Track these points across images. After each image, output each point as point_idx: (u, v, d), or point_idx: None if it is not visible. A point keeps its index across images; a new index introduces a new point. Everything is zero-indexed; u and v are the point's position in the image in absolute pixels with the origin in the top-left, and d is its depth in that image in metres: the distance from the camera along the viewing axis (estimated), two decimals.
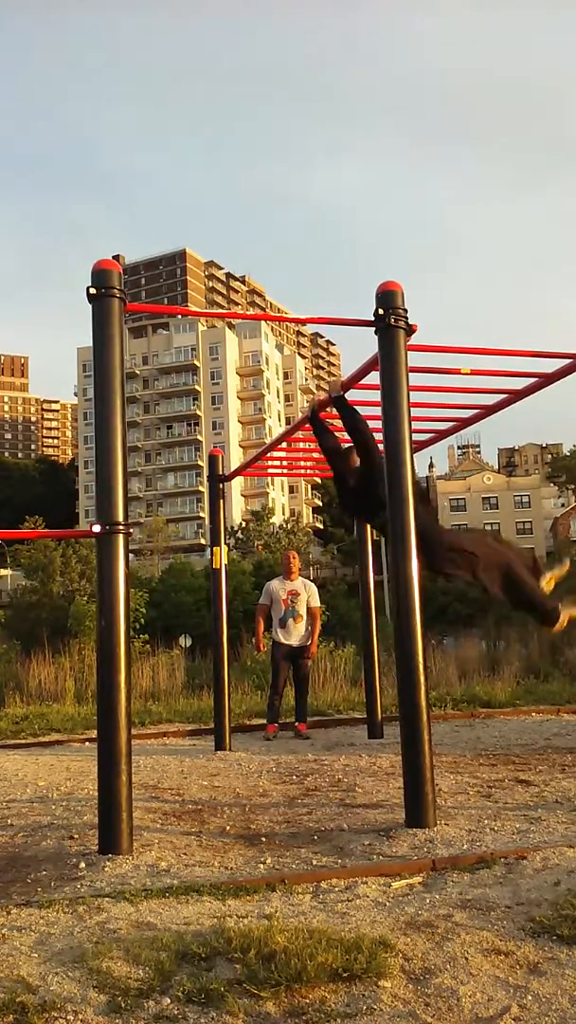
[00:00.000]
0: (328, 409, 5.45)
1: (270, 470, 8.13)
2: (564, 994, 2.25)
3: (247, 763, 6.63)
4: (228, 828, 4.34)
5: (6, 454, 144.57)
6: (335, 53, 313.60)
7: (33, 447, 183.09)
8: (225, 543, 8.14)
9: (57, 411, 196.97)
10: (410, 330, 4.48)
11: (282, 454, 8.48)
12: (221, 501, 8.05)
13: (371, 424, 5.01)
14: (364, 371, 4.98)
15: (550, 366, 5.52)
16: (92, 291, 4.10)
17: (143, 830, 4.13)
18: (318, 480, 52.22)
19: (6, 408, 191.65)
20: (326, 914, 2.85)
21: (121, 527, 3.94)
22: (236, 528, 67.96)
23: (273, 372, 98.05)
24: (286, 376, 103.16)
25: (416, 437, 5.40)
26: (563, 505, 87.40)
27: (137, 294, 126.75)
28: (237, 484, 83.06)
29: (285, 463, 9.16)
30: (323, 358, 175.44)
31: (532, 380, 5.71)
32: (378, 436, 4.70)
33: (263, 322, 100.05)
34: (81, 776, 6.09)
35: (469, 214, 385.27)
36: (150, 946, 2.50)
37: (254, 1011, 2.19)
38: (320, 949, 2.40)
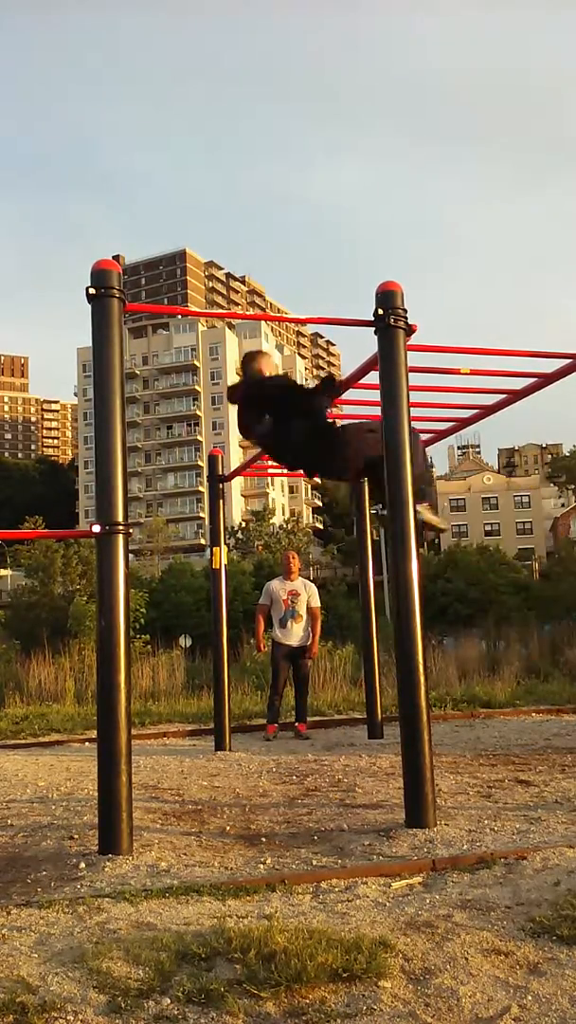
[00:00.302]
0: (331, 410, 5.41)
1: (270, 470, 8.13)
2: (564, 994, 2.25)
3: (247, 763, 6.63)
4: (228, 828, 4.34)
5: (6, 454, 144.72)
6: (335, 53, 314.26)
7: (33, 447, 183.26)
8: (225, 543, 8.14)
9: (57, 411, 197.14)
10: (410, 330, 4.47)
11: None
12: (221, 501, 8.05)
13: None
14: (363, 371, 4.97)
15: (550, 366, 5.52)
16: (92, 291, 4.10)
17: (143, 830, 4.13)
18: (318, 480, 52.13)
19: (6, 408, 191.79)
20: (326, 914, 2.85)
21: (121, 527, 3.94)
22: (236, 528, 67.96)
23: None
24: None
25: None
26: (563, 505, 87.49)
27: (137, 294, 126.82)
28: (237, 484, 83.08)
29: None
30: (323, 358, 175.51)
31: (532, 380, 5.71)
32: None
33: (263, 322, 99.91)
34: (81, 776, 6.09)
35: (469, 214, 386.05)
36: (150, 946, 2.50)
37: (254, 1011, 2.18)
38: (320, 949, 2.39)
